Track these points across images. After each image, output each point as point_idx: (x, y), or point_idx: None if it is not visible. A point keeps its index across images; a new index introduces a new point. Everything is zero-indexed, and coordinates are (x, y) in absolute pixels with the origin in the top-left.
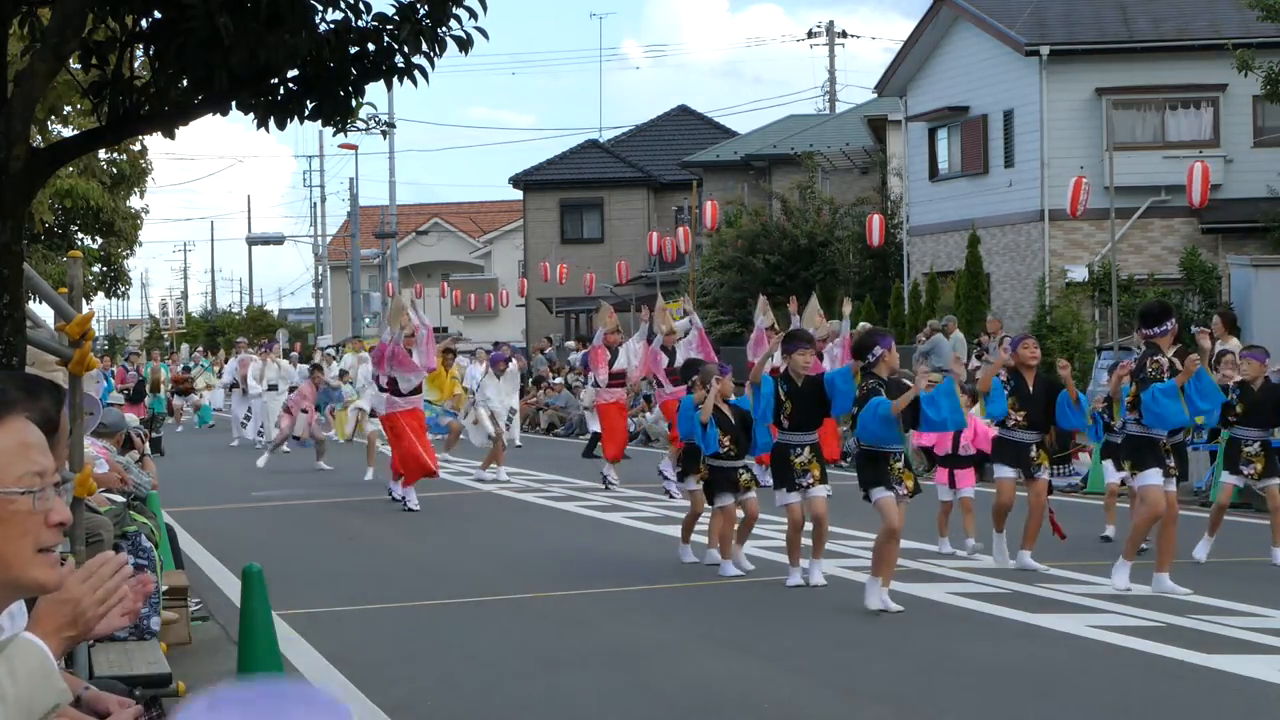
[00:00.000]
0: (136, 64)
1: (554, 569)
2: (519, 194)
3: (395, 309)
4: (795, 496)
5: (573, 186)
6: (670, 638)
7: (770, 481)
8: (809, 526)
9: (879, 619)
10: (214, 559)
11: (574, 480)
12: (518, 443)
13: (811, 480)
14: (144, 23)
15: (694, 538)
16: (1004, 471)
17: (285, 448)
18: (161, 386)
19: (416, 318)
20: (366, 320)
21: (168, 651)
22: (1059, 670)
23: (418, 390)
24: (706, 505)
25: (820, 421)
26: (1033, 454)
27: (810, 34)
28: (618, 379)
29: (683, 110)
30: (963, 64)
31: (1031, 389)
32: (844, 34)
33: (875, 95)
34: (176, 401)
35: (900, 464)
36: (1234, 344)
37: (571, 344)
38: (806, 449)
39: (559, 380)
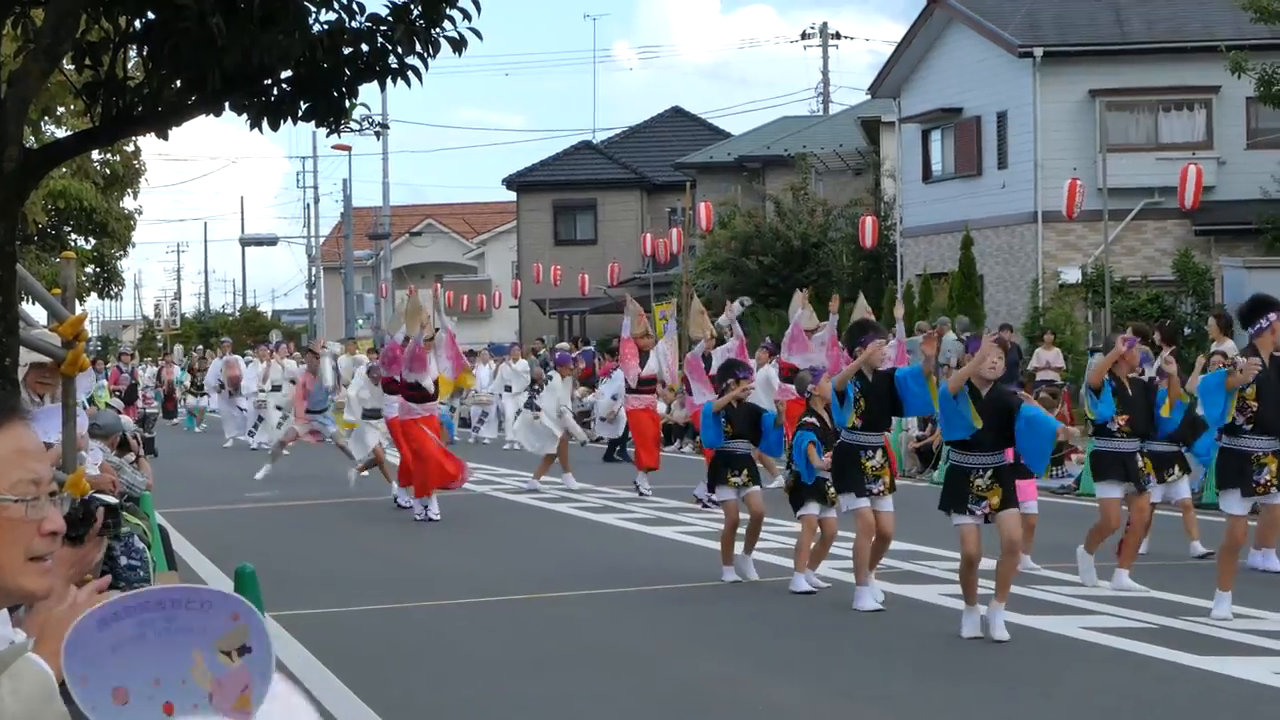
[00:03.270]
0: (130, 65)
1: (547, 570)
2: (512, 195)
3: (413, 308)
4: (865, 502)
5: (566, 188)
6: (664, 639)
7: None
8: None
9: (871, 620)
10: (207, 560)
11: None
12: (519, 444)
13: (882, 488)
14: (137, 23)
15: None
16: (1110, 490)
17: (285, 451)
18: (177, 389)
19: (439, 320)
20: (360, 322)
21: None
22: (1053, 672)
23: (435, 396)
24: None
25: (890, 422)
26: (1140, 464)
27: (803, 35)
28: (648, 384)
29: (676, 112)
30: (956, 65)
31: (1131, 391)
32: (837, 35)
33: (869, 97)
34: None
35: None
36: (1229, 346)
37: (565, 345)
38: (878, 452)
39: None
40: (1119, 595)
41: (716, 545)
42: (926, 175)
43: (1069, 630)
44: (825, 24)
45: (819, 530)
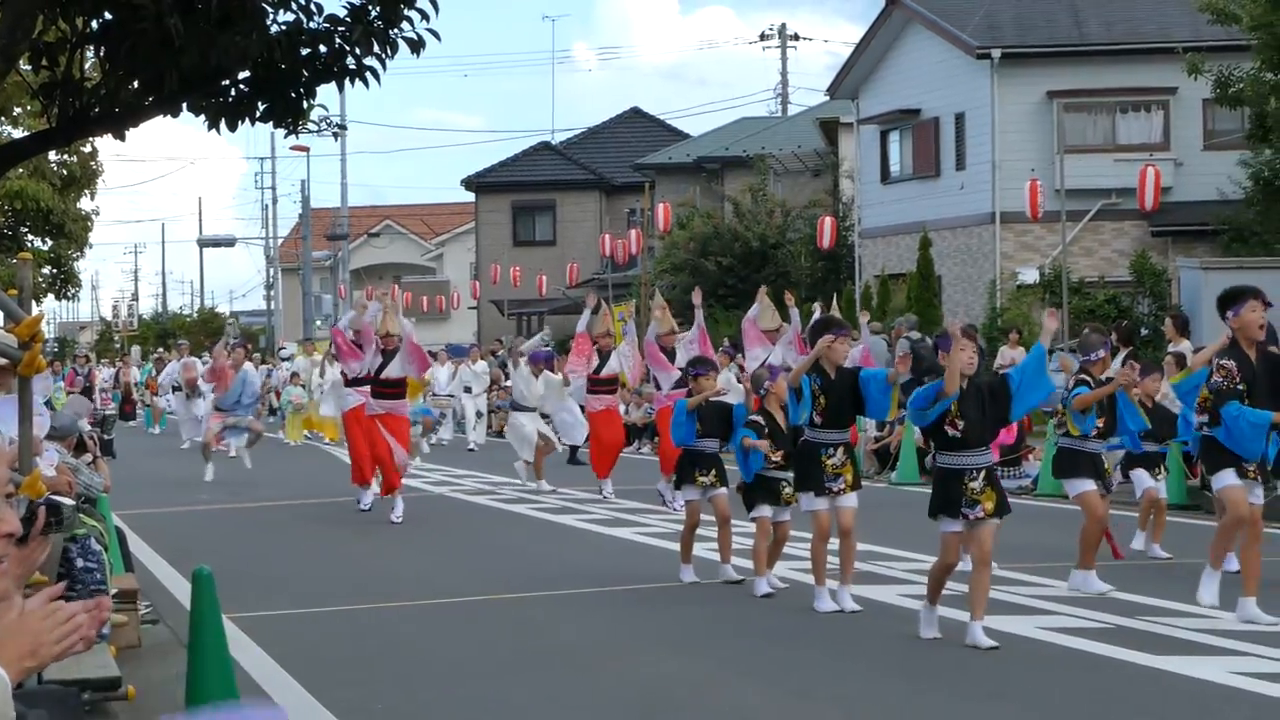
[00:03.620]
0: (87, 65)
1: (505, 571)
2: (471, 196)
3: (389, 310)
4: (824, 503)
5: (525, 189)
6: (623, 640)
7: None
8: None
9: (831, 620)
10: (164, 562)
11: (526, 482)
12: (479, 445)
13: (843, 486)
14: (94, 24)
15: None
16: (1083, 485)
17: (221, 446)
18: (134, 390)
19: (399, 321)
20: (318, 323)
21: (117, 655)
22: (1010, 672)
23: (400, 393)
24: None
25: (852, 420)
26: (1104, 464)
27: (762, 36)
28: (608, 384)
29: (635, 112)
30: (914, 67)
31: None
32: (796, 36)
33: (827, 98)
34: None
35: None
36: (1185, 346)
37: (523, 338)
38: (840, 449)
39: (509, 383)
40: (1075, 595)
41: (675, 546)
42: (885, 176)
43: (1025, 630)
44: (784, 25)
45: (771, 532)
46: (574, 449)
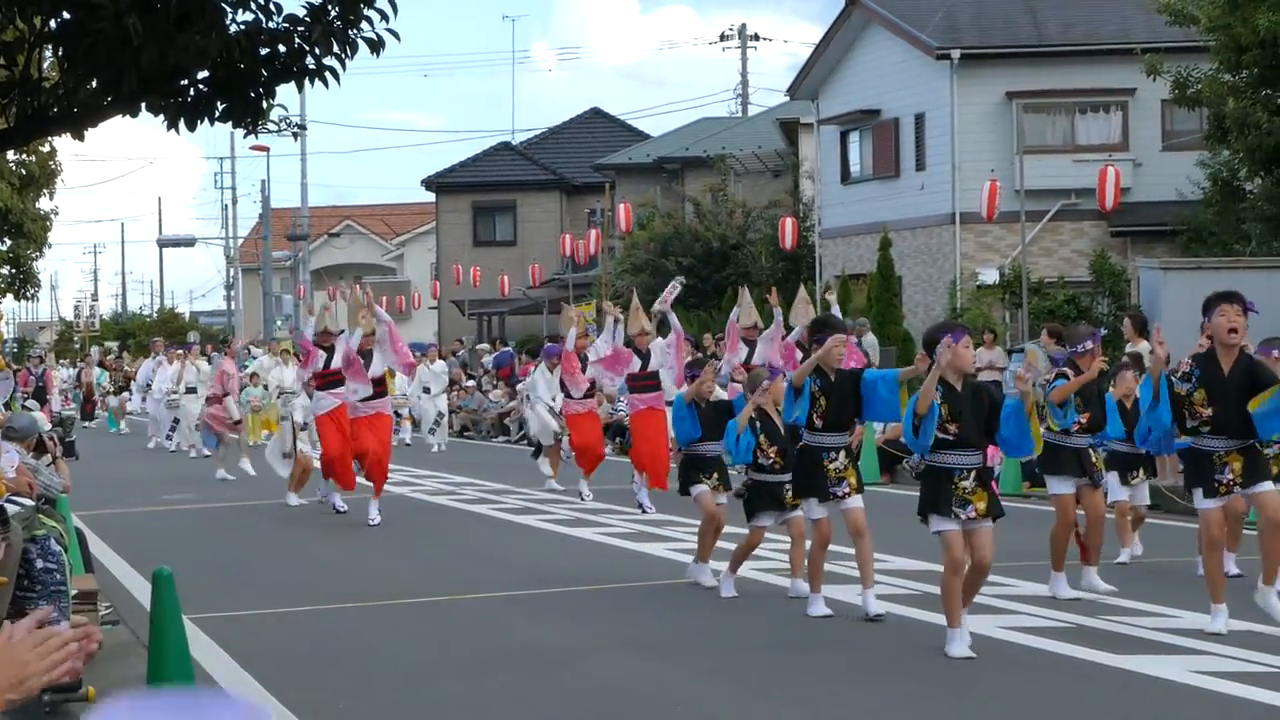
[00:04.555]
0: (45, 65)
1: (467, 572)
2: (431, 196)
3: (354, 306)
4: (825, 510)
5: (485, 189)
6: (585, 640)
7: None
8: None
9: (798, 622)
10: (124, 563)
11: (487, 483)
12: (442, 447)
13: (848, 490)
14: (53, 23)
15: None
16: (1063, 486)
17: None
18: (96, 391)
19: (379, 315)
20: (279, 322)
21: None
22: (972, 672)
23: (382, 390)
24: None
25: (852, 423)
26: (1092, 458)
27: (722, 37)
28: (590, 389)
29: (595, 113)
30: (874, 67)
31: (1095, 391)
32: (756, 37)
33: (787, 98)
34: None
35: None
36: (1143, 346)
37: (485, 346)
38: (841, 453)
39: (471, 383)
40: (1036, 595)
41: (636, 546)
42: (845, 177)
43: (987, 630)
44: (744, 26)
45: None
46: (539, 447)
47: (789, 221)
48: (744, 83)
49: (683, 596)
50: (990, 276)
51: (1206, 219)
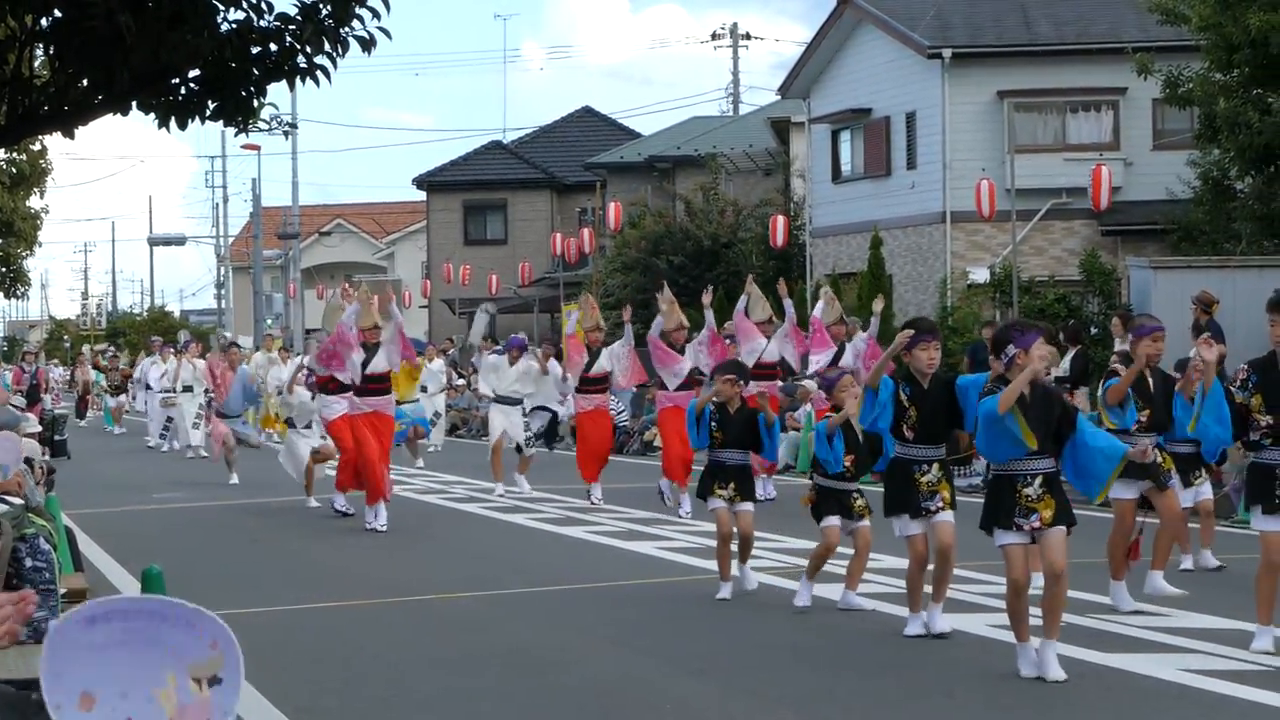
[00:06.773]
0: (36, 63)
1: (456, 570)
2: (422, 195)
3: (333, 307)
4: (919, 526)
5: (476, 188)
6: (572, 639)
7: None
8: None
9: (782, 620)
10: (114, 561)
11: (475, 481)
12: (438, 446)
13: (941, 504)
14: (44, 21)
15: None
16: (1125, 491)
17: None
18: (91, 389)
19: (391, 311)
20: (269, 321)
21: None
22: (958, 670)
23: (385, 389)
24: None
25: (947, 434)
26: (1159, 459)
27: (713, 36)
28: (596, 384)
29: (586, 112)
30: (865, 66)
31: (1151, 383)
32: (747, 36)
33: (778, 97)
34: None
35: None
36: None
37: (478, 337)
38: (935, 466)
39: (461, 382)
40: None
41: (625, 545)
42: (836, 175)
43: (976, 629)
44: (735, 24)
45: (855, 542)
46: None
47: (780, 220)
48: (735, 81)
49: (673, 595)
50: (981, 275)
51: (1197, 218)
